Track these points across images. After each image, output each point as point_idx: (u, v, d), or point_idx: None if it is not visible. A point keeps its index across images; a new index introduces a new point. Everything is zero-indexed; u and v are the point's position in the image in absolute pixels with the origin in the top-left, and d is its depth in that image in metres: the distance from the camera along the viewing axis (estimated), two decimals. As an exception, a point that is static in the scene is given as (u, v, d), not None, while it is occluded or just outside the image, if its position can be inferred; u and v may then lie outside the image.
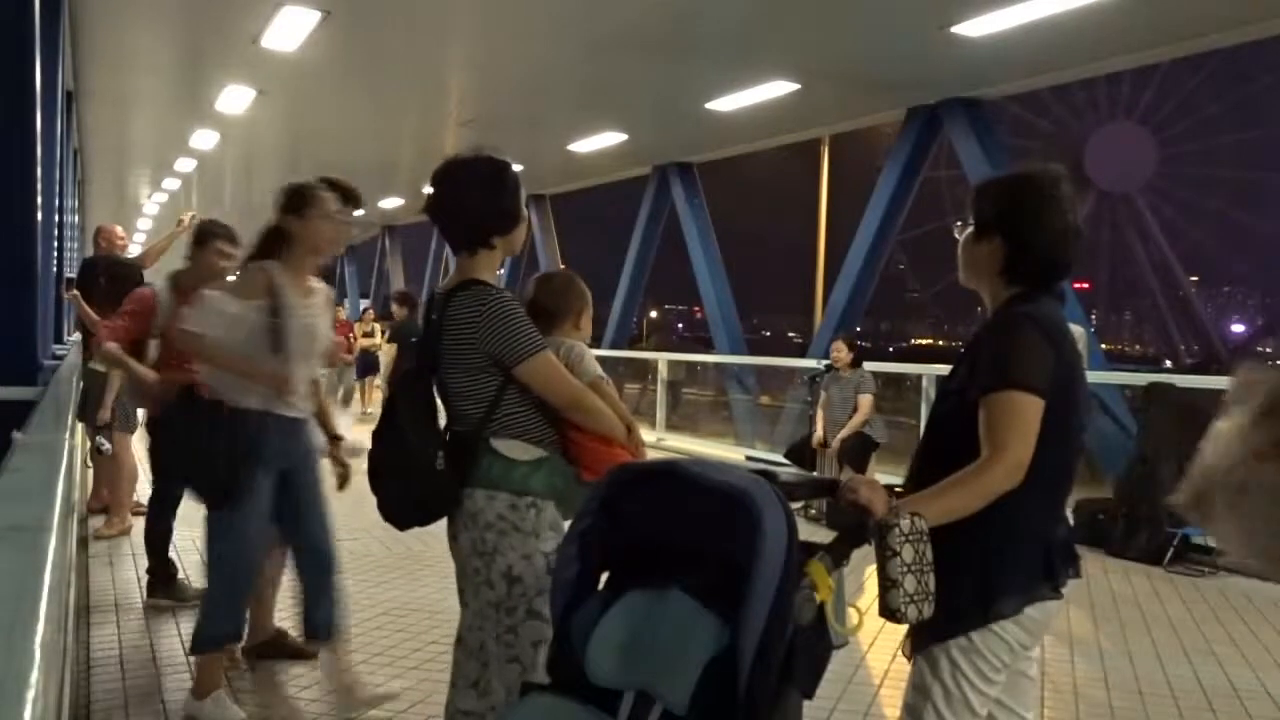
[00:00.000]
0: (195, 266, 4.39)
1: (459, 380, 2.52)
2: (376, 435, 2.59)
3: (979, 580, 1.98)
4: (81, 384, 5.89)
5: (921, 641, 2.05)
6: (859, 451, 7.52)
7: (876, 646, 4.33)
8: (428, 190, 2.61)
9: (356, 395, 14.86)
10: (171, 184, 19.97)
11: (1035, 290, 2.08)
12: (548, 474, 2.51)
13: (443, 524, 2.62)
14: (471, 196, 2.55)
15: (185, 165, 17.35)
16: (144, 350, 4.40)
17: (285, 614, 4.10)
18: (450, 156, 2.60)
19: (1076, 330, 7.99)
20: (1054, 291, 2.12)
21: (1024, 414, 1.94)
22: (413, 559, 5.69)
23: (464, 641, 2.59)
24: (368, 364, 14.86)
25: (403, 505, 2.58)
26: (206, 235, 4.45)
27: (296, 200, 3.41)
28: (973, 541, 1.95)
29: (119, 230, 7.42)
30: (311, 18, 8.64)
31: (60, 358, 7.30)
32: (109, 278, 6.26)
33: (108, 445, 6.05)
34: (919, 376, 9.28)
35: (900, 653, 2.14)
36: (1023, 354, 1.98)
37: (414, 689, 3.70)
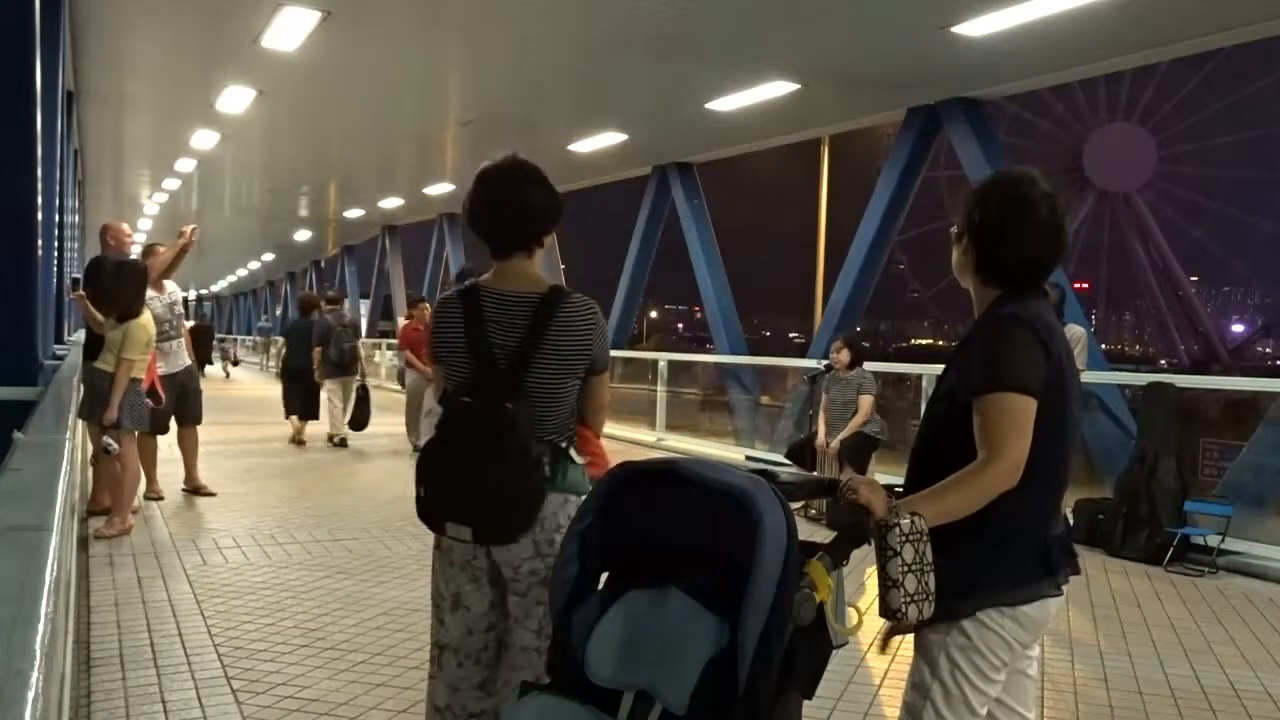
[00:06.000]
0: None
1: (554, 385, 2.46)
2: (458, 457, 2.41)
3: (977, 577, 1.98)
4: (83, 384, 5.89)
5: (918, 634, 2.05)
6: (859, 451, 7.52)
7: (876, 646, 4.33)
8: (459, 192, 2.60)
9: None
10: (171, 184, 19.98)
11: (1018, 290, 2.09)
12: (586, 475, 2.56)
13: None
14: (536, 195, 2.58)
15: (185, 165, 17.36)
16: None
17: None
18: (500, 159, 2.60)
19: (1077, 330, 7.96)
20: (1040, 291, 2.13)
21: (1018, 415, 1.95)
22: (413, 559, 5.69)
23: (459, 649, 2.55)
24: None
25: (513, 516, 2.41)
26: None
27: None
28: (971, 539, 1.95)
29: (126, 228, 7.38)
30: (311, 18, 8.65)
31: (60, 358, 7.29)
32: (115, 279, 6.26)
33: (115, 445, 6.04)
34: (919, 376, 9.28)
35: (880, 643, 2.16)
36: (1013, 355, 1.98)
37: (415, 689, 3.70)
